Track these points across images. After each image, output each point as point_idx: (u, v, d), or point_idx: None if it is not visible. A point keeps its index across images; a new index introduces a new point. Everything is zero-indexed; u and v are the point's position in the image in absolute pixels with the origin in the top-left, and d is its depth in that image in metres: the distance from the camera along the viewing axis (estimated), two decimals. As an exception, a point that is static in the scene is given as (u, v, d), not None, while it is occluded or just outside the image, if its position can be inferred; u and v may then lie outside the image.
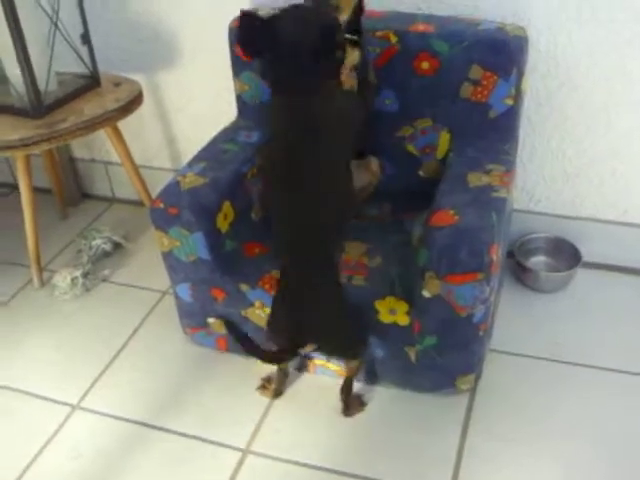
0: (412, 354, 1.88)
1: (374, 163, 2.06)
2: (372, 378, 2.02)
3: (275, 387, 2.04)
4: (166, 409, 2.06)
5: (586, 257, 2.37)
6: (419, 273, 1.73)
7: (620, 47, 2.07)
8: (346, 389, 1.96)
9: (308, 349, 1.86)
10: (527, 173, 2.36)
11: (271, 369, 2.03)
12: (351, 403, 1.98)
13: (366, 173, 2.03)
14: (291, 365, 2.08)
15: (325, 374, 2.07)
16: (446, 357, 1.86)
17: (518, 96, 1.99)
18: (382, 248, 2.00)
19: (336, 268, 1.78)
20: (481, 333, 1.83)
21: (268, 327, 1.86)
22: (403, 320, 1.83)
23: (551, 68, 2.15)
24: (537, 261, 2.45)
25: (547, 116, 2.24)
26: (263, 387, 2.07)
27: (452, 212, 1.75)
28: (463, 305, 1.72)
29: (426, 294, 1.73)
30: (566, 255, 2.41)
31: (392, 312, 1.82)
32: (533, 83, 2.15)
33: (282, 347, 1.83)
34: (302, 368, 2.11)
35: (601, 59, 2.10)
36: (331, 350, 1.89)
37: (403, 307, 1.82)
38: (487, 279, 1.69)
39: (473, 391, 2.02)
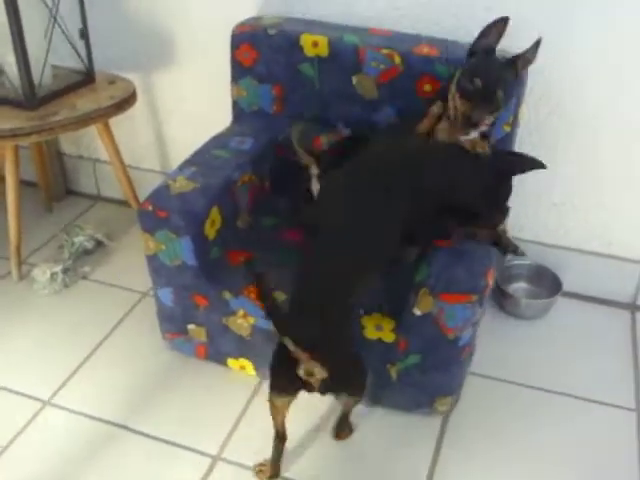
0: (393, 372, 1.88)
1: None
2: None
3: (271, 470, 1.84)
4: (138, 411, 2.03)
5: (567, 286, 2.39)
6: (413, 289, 1.74)
7: (610, 77, 2.10)
8: (344, 423, 1.93)
9: (317, 374, 1.60)
10: (513, 200, 2.35)
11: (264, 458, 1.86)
12: (344, 433, 1.96)
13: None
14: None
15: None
16: (427, 377, 1.86)
17: (515, 122, 2.02)
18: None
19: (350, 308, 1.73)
20: (464, 356, 1.84)
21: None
22: (388, 337, 1.82)
23: (543, 95, 2.18)
24: (518, 287, 2.47)
25: (536, 143, 2.26)
26: (259, 471, 1.86)
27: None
28: (452, 326, 1.73)
29: (417, 311, 1.73)
30: (547, 283, 2.43)
31: (378, 328, 1.82)
32: (527, 109, 2.18)
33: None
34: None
35: (592, 88, 2.13)
36: (342, 382, 1.69)
37: (389, 324, 1.81)
38: (480, 302, 1.71)
39: (446, 413, 2.01)
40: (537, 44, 1.80)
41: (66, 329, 2.32)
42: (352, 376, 1.72)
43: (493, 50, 1.81)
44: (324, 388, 1.63)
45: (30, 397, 2.07)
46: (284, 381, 1.67)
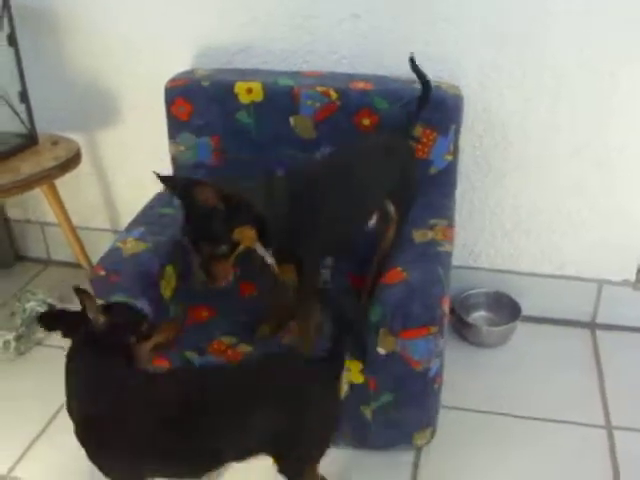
0: (368, 413, 1.85)
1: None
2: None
3: None
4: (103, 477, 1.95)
5: (526, 311, 2.41)
6: (372, 330, 1.72)
7: (550, 104, 2.16)
8: None
9: None
10: (466, 230, 2.40)
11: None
12: None
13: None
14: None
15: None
16: (403, 413, 1.84)
17: (456, 152, 2.05)
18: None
19: None
20: (436, 386, 1.83)
21: None
22: (358, 379, 1.80)
23: (487, 126, 2.22)
24: (478, 316, 2.48)
25: (485, 173, 2.30)
26: None
27: (400, 269, 1.76)
28: (419, 359, 1.72)
29: (381, 351, 1.72)
30: (506, 309, 2.44)
31: (346, 371, 1.78)
32: (470, 141, 2.22)
33: None
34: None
35: (532, 116, 2.19)
36: None
37: (356, 366, 1.79)
38: (440, 332, 1.70)
39: (418, 448, 1.99)
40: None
41: (23, 397, 2.25)
42: None
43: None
44: None
45: (-12, 472, 1.98)
46: None
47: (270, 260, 1.74)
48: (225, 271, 1.61)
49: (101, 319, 1.51)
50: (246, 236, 1.62)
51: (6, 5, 2.17)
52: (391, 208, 1.92)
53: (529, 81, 2.14)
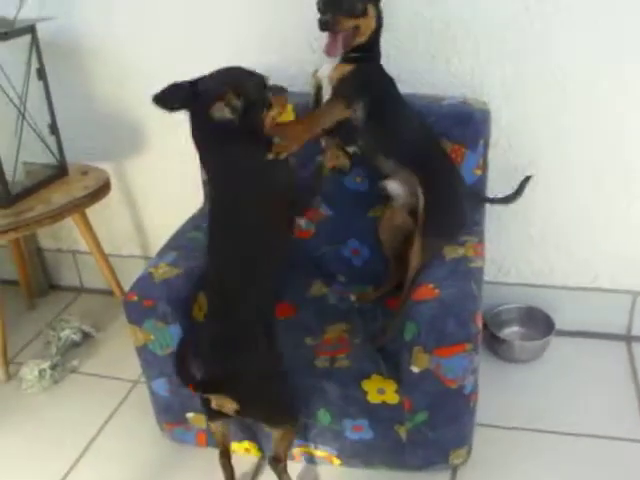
0: (403, 432, 1.84)
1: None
2: (360, 461, 1.95)
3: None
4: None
5: (559, 325, 2.38)
6: (406, 348, 1.71)
7: (573, 118, 2.15)
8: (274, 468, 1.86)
9: (227, 404, 1.65)
10: (494, 244, 2.38)
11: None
12: None
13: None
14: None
15: (310, 462, 2.00)
16: (438, 432, 1.82)
17: (485, 166, 2.04)
18: (363, 330, 1.99)
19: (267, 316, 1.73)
20: (472, 404, 1.81)
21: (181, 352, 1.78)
22: (392, 399, 1.79)
23: (512, 141, 2.22)
24: (511, 332, 2.45)
25: (511, 187, 2.27)
26: None
27: (432, 286, 1.76)
28: (453, 377, 1.70)
29: (415, 369, 1.71)
30: (539, 324, 2.41)
31: (380, 391, 1.79)
32: (495, 156, 2.20)
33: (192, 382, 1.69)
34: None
35: (556, 128, 2.18)
36: (250, 410, 1.71)
37: (391, 386, 1.79)
38: (475, 348, 1.69)
39: (454, 467, 1.96)
40: None
41: (58, 426, 2.26)
42: (267, 403, 1.73)
43: None
44: (242, 415, 1.71)
45: (26, 501, 2.00)
46: (208, 410, 1.72)
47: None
48: (342, 25, 1.76)
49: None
50: (370, 16, 1.80)
51: (34, 41, 2.22)
52: (420, 194, 1.90)
53: (552, 93, 2.13)
